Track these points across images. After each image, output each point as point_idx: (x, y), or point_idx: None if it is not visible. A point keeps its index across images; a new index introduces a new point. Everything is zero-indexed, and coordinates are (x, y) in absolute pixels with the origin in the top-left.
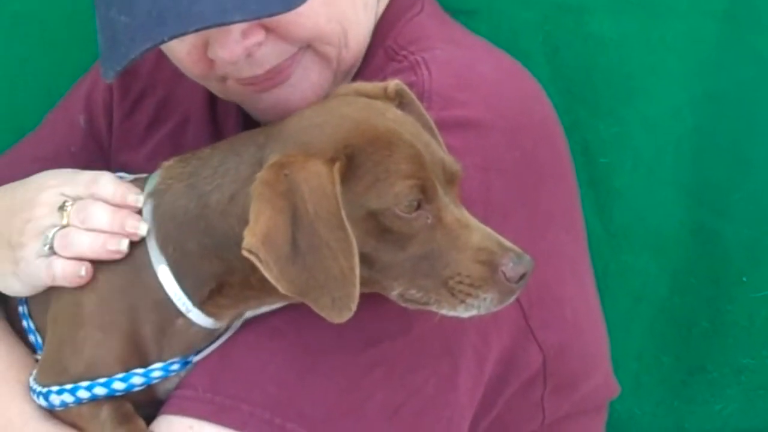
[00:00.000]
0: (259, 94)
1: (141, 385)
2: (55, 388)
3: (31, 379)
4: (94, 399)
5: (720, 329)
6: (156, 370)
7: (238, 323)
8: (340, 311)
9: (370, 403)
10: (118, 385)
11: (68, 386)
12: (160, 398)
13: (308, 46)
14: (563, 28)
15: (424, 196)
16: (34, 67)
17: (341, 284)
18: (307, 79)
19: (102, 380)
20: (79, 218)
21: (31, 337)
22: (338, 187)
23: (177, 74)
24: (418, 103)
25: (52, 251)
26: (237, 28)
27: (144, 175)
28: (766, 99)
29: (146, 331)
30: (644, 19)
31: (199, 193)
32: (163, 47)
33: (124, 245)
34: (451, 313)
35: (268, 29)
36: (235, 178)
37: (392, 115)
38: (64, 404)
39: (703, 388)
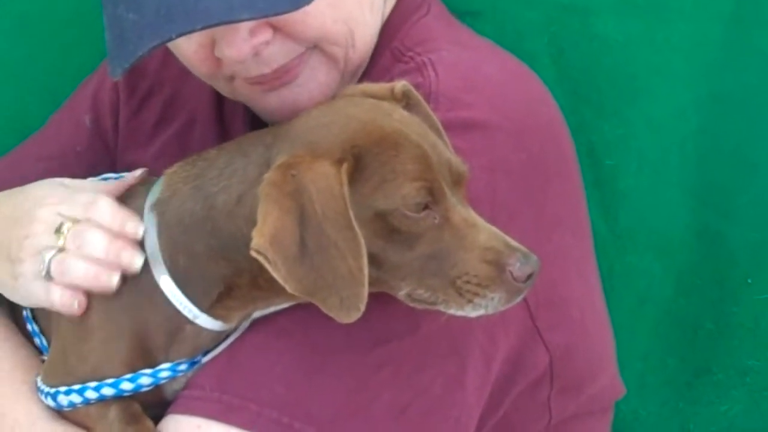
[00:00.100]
0: (266, 93)
1: (149, 385)
2: (62, 389)
3: (38, 380)
4: (102, 399)
5: (725, 331)
6: (164, 370)
7: (246, 324)
8: (349, 311)
9: (378, 402)
10: (126, 386)
11: (76, 387)
12: (168, 399)
13: (315, 47)
14: (568, 30)
15: (432, 197)
16: (39, 67)
17: (350, 284)
18: (315, 79)
19: (110, 381)
20: (76, 243)
21: (37, 340)
22: (346, 188)
23: (184, 73)
24: (424, 104)
25: (50, 276)
26: (244, 27)
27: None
28: None
29: (155, 340)
30: (649, 21)
31: (205, 195)
32: (171, 46)
33: (114, 280)
34: (459, 313)
35: (275, 28)
36: (242, 179)
37: (399, 116)
38: (72, 404)
39: (708, 389)
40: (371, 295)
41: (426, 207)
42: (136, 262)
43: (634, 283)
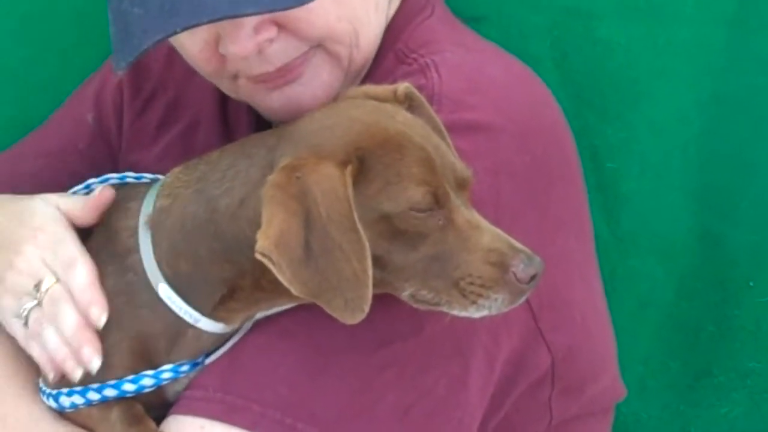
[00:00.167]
0: (269, 92)
1: (151, 386)
2: (65, 390)
3: (40, 381)
4: (105, 400)
5: (726, 333)
6: (166, 371)
7: (248, 325)
8: (353, 313)
9: (381, 403)
10: (129, 387)
11: (78, 388)
12: (170, 400)
13: (319, 45)
14: (572, 33)
15: (436, 202)
16: (41, 67)
17: (354, 286)
18: (318, 78)
19: (112, 382)
20: (51, 310)
21: None
22: (350, 190)
23: (188, 74)
24: (427, 105)
25: (26, 326)
26: (249, 24)
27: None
28: None
29: (156, 345)
30: (652, 24)
31: (208, 198)
32: (175, 44)
33: (77, 375)
34: (463, 314)
35: (279, 26)
36: (245, 181)
37: (402, 117)
38: (74, 406)
39: (710, 392)
40: (375, 297)
41: (430, 209)
42: (93, 363)
43: (635, 286)
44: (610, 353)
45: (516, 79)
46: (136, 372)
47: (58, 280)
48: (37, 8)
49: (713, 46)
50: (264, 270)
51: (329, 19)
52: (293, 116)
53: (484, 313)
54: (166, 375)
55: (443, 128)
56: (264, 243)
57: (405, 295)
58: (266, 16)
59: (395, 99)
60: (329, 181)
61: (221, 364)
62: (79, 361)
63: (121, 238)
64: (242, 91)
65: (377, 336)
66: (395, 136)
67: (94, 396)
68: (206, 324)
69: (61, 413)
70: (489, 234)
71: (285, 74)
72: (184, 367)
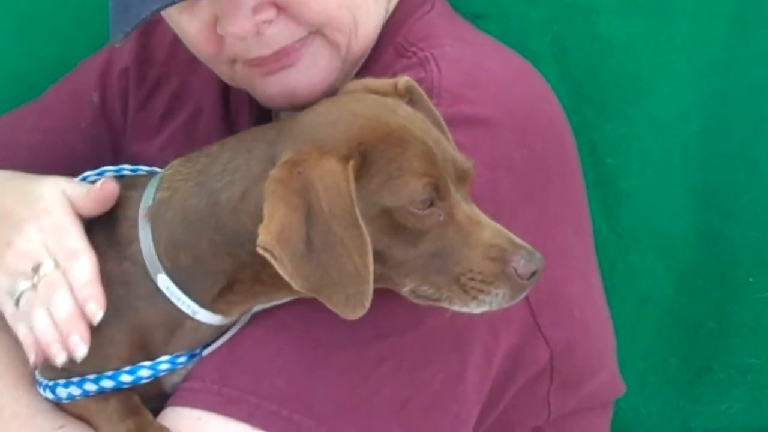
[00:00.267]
0: (265, 77)
1: (148, 377)
2: (62, 381)
3: (37, 372)
4: (102, 392)
5: (726, 330)
6: (163, 362)
7: (246, 317)
8: (354, 308)
9: (378, 397)
10: (126, 378)
11: (75, 379)
12: (167, 392)
13: (318, 32)
14: (571, 29)
15: (437, 194)
16: (42, 66)
17: (355, 281)
18: (316, 65)
19: (109, 373)
20: (46, 293)
21: None
22: (352, 185)
23: (192, 63)
24: (427, 99)
25: (18, 306)
26: (248, 4)
27: (144, 172)
28: None
29: (154, 336)
30: (652, 20)
31: (209, 191)
32: (175, 26)
33: (61, 360)
34: (463, 309)
35: (279, 8)
36: (246, 175)
37: (403, 111)
38: (71, 397)
39: (710, 388)
40: (374, 291)
41: (431, 204)
42: (79, 352)
43: (635, 282)
44: (609, 349)
45: (516, 73)
46: (133, 363)
47: (57, 266)
48: (37, 8)
49: (714, 43)
50: (264, 263)
51: (329, 5)
52: (290, 103)
53: (485, 308)
54: (164, 366)
55: (443, 122)
56: (266, 237)
57: (405, 290)
58: None
59: (396, 93)
60: (331, 176)
61: (219, 355)
62: (66, 347)
63: (121, 228)
64: (239, 77)
65: (375, 329)
66: (397, 131)
67: (91, 387)
68: (204, 316)
69: (57, 404)
70: (490, 229)
71: (282, 58)
72: (182, 359)
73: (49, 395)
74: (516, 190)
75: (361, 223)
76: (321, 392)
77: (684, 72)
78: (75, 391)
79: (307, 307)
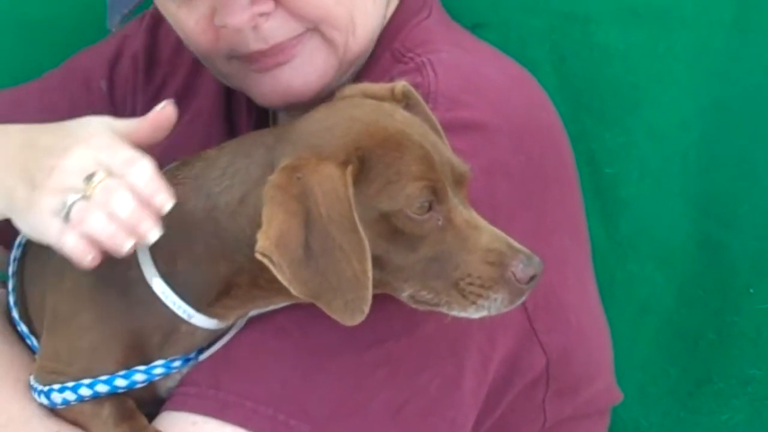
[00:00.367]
0: (261, 75)
1: (143, 382)
2: (56, 386)
3: (31, 378)
4: (96, 396)
5: (726, 340)
6: (158, 367)
7: (242, 322)
8: (353, 314)
9: (375, 402)
10: (121, 382)
11: (70, 384)
12: (162, 396)
13: (315, 29)
14: (570, 38)
15: (435, 197)
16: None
17: (354, 287)
18: (311, 63)
19: (104, 378)
20: (103, 197)
21: (28, 342)
22: (351, 190)
23: (195, 64)
24: (424, 104)
25: (68, 219)
26: None
27: None
28: None
29: (149, 340)
30: (651, 29)
31: (206, 195)
32: (173, 19)
33: (127, 246)
34: (462, 314)
35: (276, 1)
36: (245, 180)
37: (400, 116)
38: (65, 402)
39: (710, 398)
40: (372, 297)
41: (430, 209)
42: (151, 235)
43: (635, 292)
44: (606, 356)
45: (513, 80)
46: (128, 367)
47: (112, 174)
48: (39, 15)
49: (712, 51)
50: (262, 269)
51: (327, 1)
52: (285, 101)
53: (484, 313)
54: (158, 371)
55: (439, 127)
56: (264, 243)
57: (404, 295)
58: None
59: (393, 97)
60: (330, 182)
61: (214, 360)
62: (135, 235)
63: None
64: (236, 75)
65: (371, 335)
66: (395, 135)
67: (85, 392)
68: (200, 320)
69: (52, 410)
70: (488, 234)
71: (277, 54)
72: (176, 363)
73: (44, 401)
74: (513, 196)
75: (360, 228)
76: (317, 397)
77: (683, 81)
78: (70, 396)
79: (304, 311)
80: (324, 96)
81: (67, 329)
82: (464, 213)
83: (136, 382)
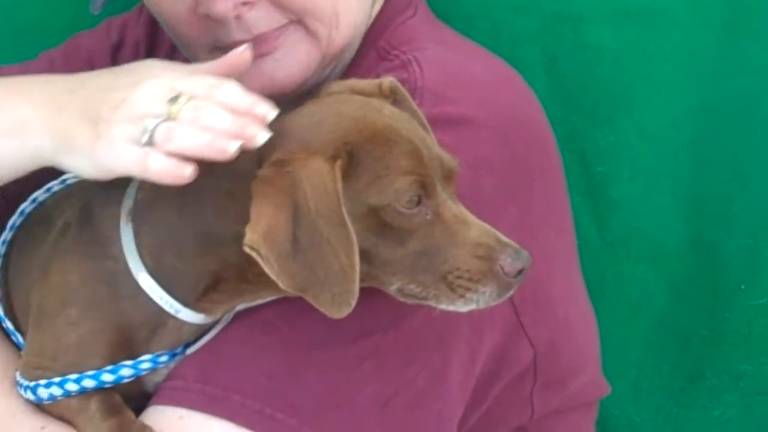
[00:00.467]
0: None
1: (130, 376)
2: (43, 382)
3: (17, 374)
4: (83, 392)
5: (719, 337)
6: (145, 361)
7: (229, 316)
8: (340, 307)
9: (362, 395)
10: (107, 377)
11: (56, 379)
12: (149, 391)
13: (299, 22)
14: (561, 39)
15: (424, 191)
16: None
17: (341, 280)
18: (294, 55)
19: (91, 373)
20: (192, 115)
21: (13, 338)
22: (340, 185)
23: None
24: (410, 100)
25: (150, 143)
26: None
27: None
28: (764, 109)
29: (136, 335)
30: (642, 29)
31: (194, 191)
32: (156, 9)
33: (233, 147)
34: (450, 308)
35: None
36: (233, 175)
37: (388, 111)
38: (52, 397)
39: (702, 394)
40: (360, 290)
41: (419, 203)
42: (260, 137)
43: (627, 290)
44: (593, 349)
45: (498, 75)
46: (115, 362)
47: (198, 97)
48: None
49: (704, 52)
50: (250, 262)
51: None
52: (268, 93)
53: (472, 307)
54: (145, 365)
55: (426, 122)
56: (253, 236)
57: (393, 289)
58: None
59: (380, 93)
60: (319, 176)
61: (201, 354)
62: (241, 137)
63: (102, 226)
64: None
65: (358, 328)
66: (383, 130)
67: (72, 387)
68: (187, 315)
69: (38, 406)
70: (476, 228)
71: (260, 44)
72: (163, 358)
73: (30, 396)
74: (499, 191)
75: (348, 222)
76: (304, 390)
77: (674, 81)
78: (56, 391)
79: (291, 305)
80: (307, 89)
81: (53, 324)
82: (453, 207)
83: (122, 377)
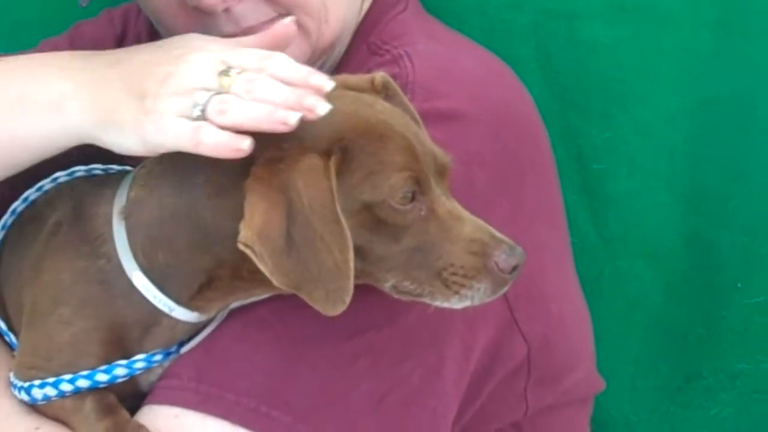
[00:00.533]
0: None
1: (124, 376)
2: (37, 382)
3: (11, 374)
4: (77, 392)
5: (715, 335)
6: (139, 361)
7: (223, 314)
8: (334, 304)
9: (356, 392)
10: (102, 377)
11: (50, 380)
12: (143, 390)
13: (287, 15)
14: (556, 35)
15: (419, 187)
16: None
17: (335, 277)
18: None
19: (85, 373)
20: (246, 88)
21: (6, 339)
22: (334, 181)
23: None
24: (402, 95)
25: (202, 116)
26: None
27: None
28: (761, 106)
29: (130, 333)
30: (637, 25)
31: (187, 188)
32: (145, 2)
33: (293, 119)
34: (445, 305)
35: None
36: (226, 171)
37: (381, 107)
38: (46, 398)
39: (699, 393)
40: (354, 287)
41: (413, 199)
42: (320, 106)
43: (624, 288)
44: (586, 344)
45: (489, 70)
46: (108, 362)
47: (248, 70)
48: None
49: (699, 48)
50: (244, 260)
51: None
52: None
53: (467, 303)
54: (139, 365)
55: (418, 117)
56: (246, 233)
57: (387, 286)
58: None
59: (372, 88)
60: (313, 173)
61: (196, 353)
62: (302, 108)
63: (94, 225)
64: None
65: (352, 325)
66: (377, 126)
67: (66, 387)
68: (181, 313)
69: (33, 406)
70: (471, 224)
71: None
72: (157, 357)
73: (24, 397)
74: (491, 185)
75: (342, 219)
76: (299, 388)
77: (669, 77)
78: (50, 391)
79: (285, 303)
80: None
81: (45, 323)
82: (447, 203)
83: (117, 377)
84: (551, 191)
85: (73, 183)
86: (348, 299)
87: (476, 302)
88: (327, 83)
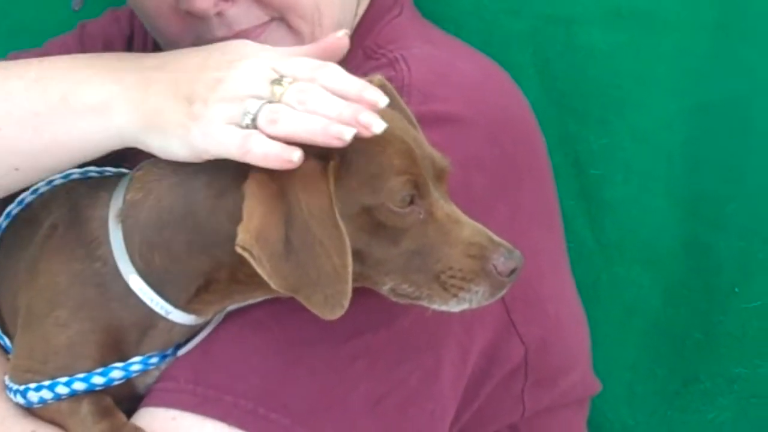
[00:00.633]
0: None
1: (121, 378)
2: (32, 385)
3: (6, 377)
4: (74, 394)
5: (713, 340)
6: (135, 363)
7: (220, 317)
8: (333, 308)
9: (354, 394)
10: (98, 380)
11: (46, 382)
12: (140, 393)
13: (281, 18)
14: (553, 40)
15: (417, 191)
16: None
17: (334, 281)
18: None
19: (81, 375)
20: (298, 98)
21: (1, 342)
22: (332, 185)
23: None
24: (399, 98)
25: (252, 124)
26: None
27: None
28: (758, 110)
29: (126, 336)
30: (634, 31)
31: (185, 191)
32: (137, 5)
33: (349, 134)
34: (443, 308)
35: None
36: (224, 174)
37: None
38: (42, 401)
39: (696, 397)
40: (352, 290)
41: (411, 202)
42: (376, 125)
43: (621, 293)
44: (583, 346)
45: (485, 73)
46: (105, 364)
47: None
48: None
49: (696, 53)
50: (242, 263)
51: None
52: None
53: (465, 306)
54: (136, 367)
55: (415, 120)
56: (245, 237)
57: (385, 289)
58: None
59: None
60: (311, 176)
61: (193, 355)
62: (357, 125)
63: (90, 227)
64: None
65: (350, 327)
66: None
67: (62, 390)
68: (178, 316)
69: (28, 409)
70: (469, 228)
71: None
72: (154, 360)
73: (20, 400)
74: (488, 189)
75: (340, 222)
76: (297, 390)
77: (667, 82)
78: (47, 394)
79: (282, 305)
80: None
81: (41, 326)
82: (445, 207)
83: (113, 380)
84: (548, 195)
85: (69, 185)
86: (346, 303)
87: (474, 305)
88: (382, 99)
